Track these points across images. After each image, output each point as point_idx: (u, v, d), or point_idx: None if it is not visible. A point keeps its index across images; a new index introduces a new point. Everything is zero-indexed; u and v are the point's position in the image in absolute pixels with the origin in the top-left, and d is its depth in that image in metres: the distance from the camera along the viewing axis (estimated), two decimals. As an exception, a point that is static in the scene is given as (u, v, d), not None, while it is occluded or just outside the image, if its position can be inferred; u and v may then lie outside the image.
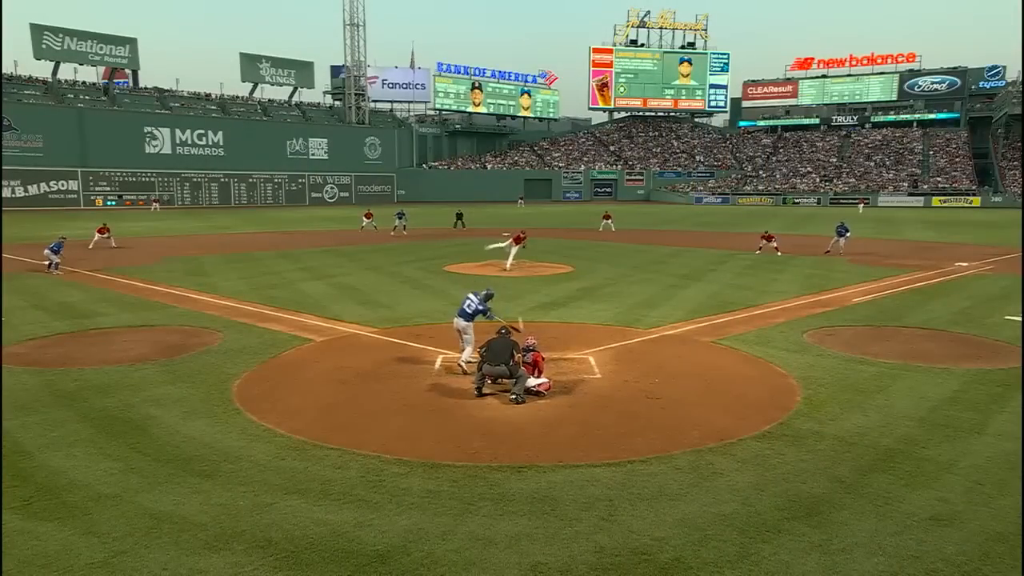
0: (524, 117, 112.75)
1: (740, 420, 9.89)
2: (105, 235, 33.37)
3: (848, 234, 31.12)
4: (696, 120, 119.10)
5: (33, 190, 66.71)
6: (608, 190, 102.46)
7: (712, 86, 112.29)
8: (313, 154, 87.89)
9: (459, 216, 47.98)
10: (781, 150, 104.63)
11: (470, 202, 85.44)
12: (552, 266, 27.17)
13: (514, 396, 10.70)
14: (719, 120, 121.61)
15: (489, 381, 11.11)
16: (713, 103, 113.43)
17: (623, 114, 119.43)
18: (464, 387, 11.39)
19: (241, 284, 22.64)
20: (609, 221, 45.98)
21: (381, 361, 13.08)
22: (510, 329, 11.53)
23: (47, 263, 24.54)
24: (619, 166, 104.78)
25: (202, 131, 78.28)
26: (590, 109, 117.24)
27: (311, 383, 11.74)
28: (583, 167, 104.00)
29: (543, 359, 11.66)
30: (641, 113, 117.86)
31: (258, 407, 10.38)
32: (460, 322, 12.33)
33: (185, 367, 12.58)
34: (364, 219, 45.13)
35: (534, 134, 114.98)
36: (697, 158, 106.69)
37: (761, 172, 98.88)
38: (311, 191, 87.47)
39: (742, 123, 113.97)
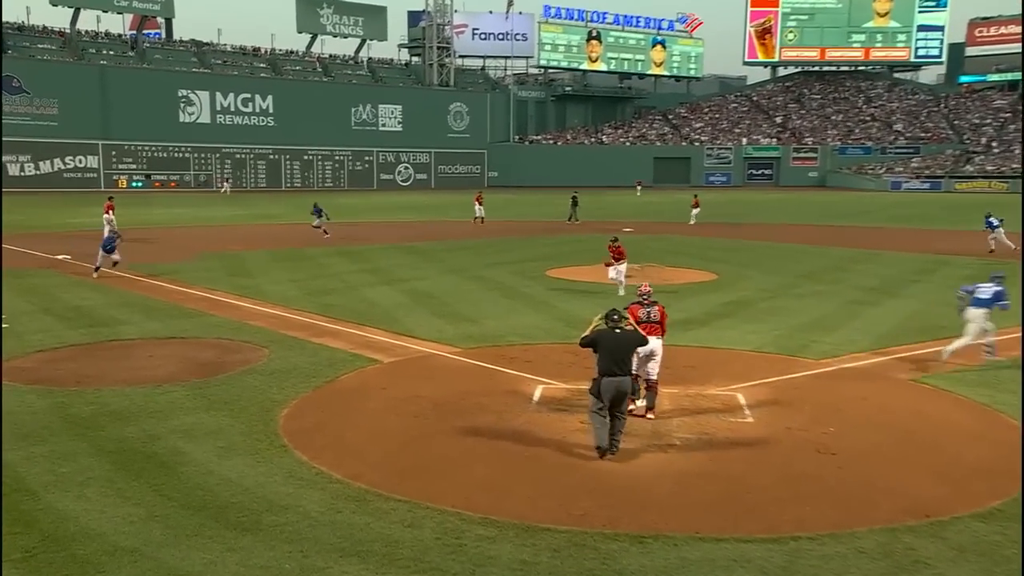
0: (656, 76, 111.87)
1: (955, 490, 9.34)
2: (110, 215, 33.66)
3: None
4: (896, 76, 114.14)
5: (45, 167, 72.04)
6: (767, 172, 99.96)
7: (921, 28, 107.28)
8: (384, 124, 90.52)
9: (575, 202, 47.58)
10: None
11: (580, 187, 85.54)
12: (689, 272, 26.79)
13: (614, 442, 10.24)
14: (930, 75, 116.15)
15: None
16: (922, 51, 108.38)
17: (791, 70, 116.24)
18: (571, 426, 11.33)
19: (291, 288, 23.58)
20: (697, 212, 45.28)
21: (464, 390, 13.23)
22: (620, 316, 10.86)
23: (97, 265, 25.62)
24: (783, 140, 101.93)
25: (248, 95, 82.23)
26: (745, 64, 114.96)
27: (375, 416, 12.03)
28: (734, 142, 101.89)
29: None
30: (817, 68, 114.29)
31: (310, 444, 10.73)
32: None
33: (222, 391, 13.19)
34: (476, 205, 46.16)
35: (668, 98, 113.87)
36: (896, 128, 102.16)
37: (993, 145, 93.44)
38: (380, 172, 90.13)
39: (965, 78, 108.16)
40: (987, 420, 11.88)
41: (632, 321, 12.08)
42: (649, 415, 11.90)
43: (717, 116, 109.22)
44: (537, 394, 13.05)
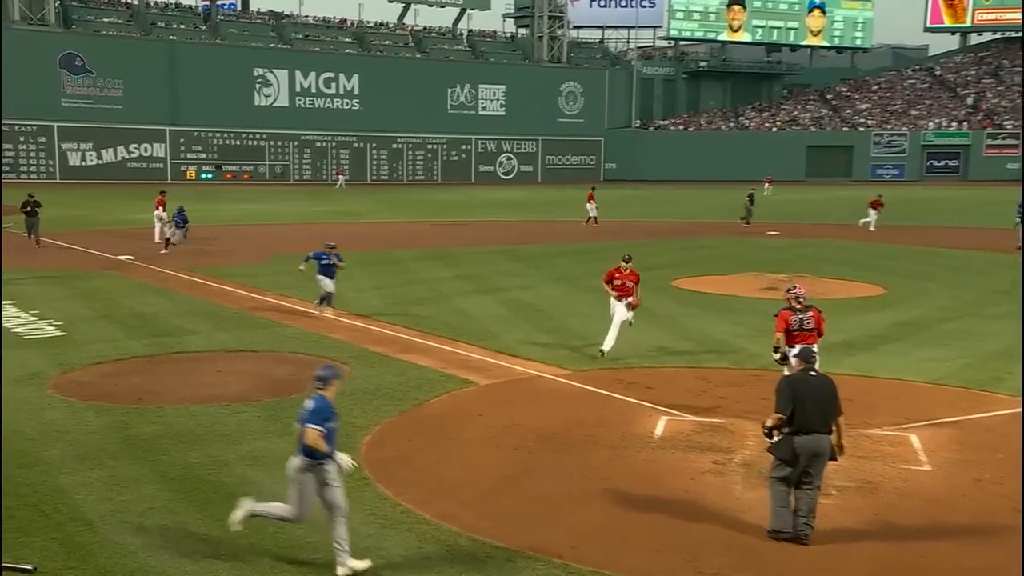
0: (811, 47, 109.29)
1: None
2: (161, 211, 35.38)
3: None
4: None
5: (108, 156, 75.38)
6: (952, 164, 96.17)
7: None
8: (484, 108, 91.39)
9: (751, 200, 46.30)
10: None
11: (713, 182, 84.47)
12: (850, 284, 26.13)
13: (804, 524, 9.11)
14: None
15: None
16: None
17: (987, 36, 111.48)
18: (701, 466, 11.17)
19: (376, 297, 24.08)
20: (876, 213, 43.32)
21: (575, 420, 13.23)
22: (813, 356, 9.94)
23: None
24: (974, 124, 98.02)
25: (331, 74, 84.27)
26: (927, 31, 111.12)
27: (471, 447, 12.15)
28: (910, 127, 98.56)
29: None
30: (1021, 34, 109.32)
31: (394, 477, 10.92)
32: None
33: (297, 412, 13.51)
34: (589, 203, 45.99)
35: (827, 73, 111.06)
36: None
37: None
38: (479, 163, 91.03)
39: None
40: None
41: (779, 332, 12.45)
42: None
43: (889, 95, 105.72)
44: (660, 427, 12.94)
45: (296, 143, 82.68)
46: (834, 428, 9.28)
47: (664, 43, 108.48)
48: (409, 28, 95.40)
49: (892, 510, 10.11)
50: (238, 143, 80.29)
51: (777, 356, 13.21)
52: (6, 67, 66.81)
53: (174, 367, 16.51)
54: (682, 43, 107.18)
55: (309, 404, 8.86)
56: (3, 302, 21.98)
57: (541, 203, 60.74)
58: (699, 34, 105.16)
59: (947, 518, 9.90)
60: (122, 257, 30.23)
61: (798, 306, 12.69)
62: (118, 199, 56.43)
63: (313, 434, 8.54)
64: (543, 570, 8.56)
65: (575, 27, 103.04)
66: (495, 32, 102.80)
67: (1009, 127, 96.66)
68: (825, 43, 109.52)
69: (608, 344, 16.94)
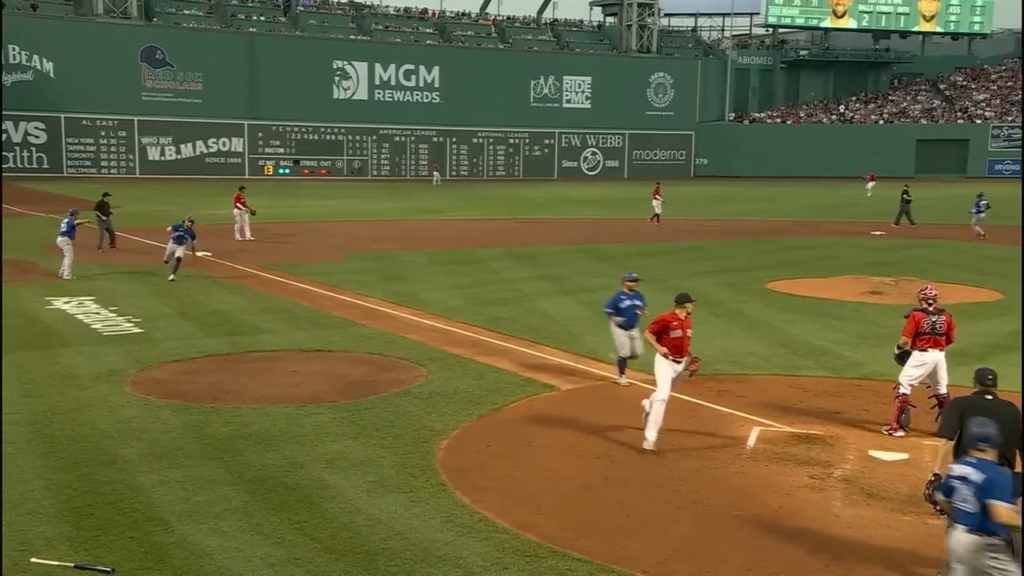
0: (923, 33, 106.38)
1: None
2: (241, 209, 36.14)
3: None
4: None
5: (187, 151, 77.30)
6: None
7: None
8: (569, 100, 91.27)
9: (906, 199, 44.54)
10: None
11: (813, 178, 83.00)
12: (963, 289, 25.44)
13: None
14: None
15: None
16: None
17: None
18: (797, 480, 11.01)
19: (455, 296, 24.26)
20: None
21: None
22: (992, 375, 8.88)
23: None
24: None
25: (411, 66, 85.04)
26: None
27: (551, 454, 12.18)
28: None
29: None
30: None
31: (472, 484, 11.00)
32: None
33: (373, 415, 13.75)
34: (655, 199, 45.52)
35: (941, 62, 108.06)
36: None
37: None
38: (562, 158, 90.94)
39: None
40: None
41: (906, 335, 12.66)
42: None
43: (1010, 85, 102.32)
44: (753, 437, 12.81)
45: (375, 137, 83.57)
46: (1017, 460, 8.29)
47: (761, 31, 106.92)
48: (492, 18, 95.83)
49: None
50: (316, 137, 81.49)
51: (897, 354, 13.12)
52: (89, 61, 69.17)
53: (250, 366, 16.87)
54: (781, 31, 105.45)
55: (972, 474, 7.09)
56: (82, 298, 22.78)
57: (627, 200, 60.34)
58: (800, 21, 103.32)
59: None
60: (200, 254, 30.95)
61: (930, 308, 12.66)
62: (196, 194, 57.72)
63: (1007, 512, 6.81)
64: (627, 584, 8.55)
65: (666, 15, 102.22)
66: (581, 21, 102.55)
67: None
68: (939, 29, 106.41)
69: (653, 433, 12.19)
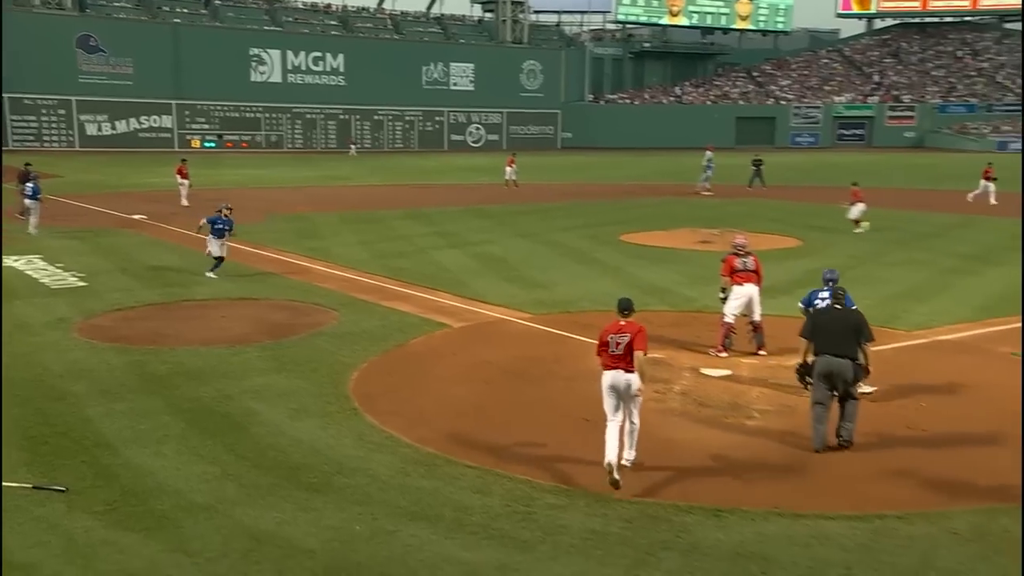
0: (740, 30, 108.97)
1: (1054, 471, 9.06)
2: (184, 180, 34.26)
3: None
4: (1007, 26, 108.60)
5: (122, 127, 74.22)
6: (859, 132, 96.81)
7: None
8: (455, 84, 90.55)
9: (757, 166, 44.39)
10: None
11: (655, 149, 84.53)
12: (772, 237, 26.31)
13: (842, 435, 9.61)
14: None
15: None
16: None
17: (889, 22, 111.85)
18: (645, 396, 11.33)
19: (361, 251, 23.98)
20: (991, 185, 36.43)
21: (535, 357, 13.35)
22: (842, 292, 10.24)
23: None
24: (877, 98, 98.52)
25: (319, 54, 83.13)
26: (839, 16, 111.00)
27: (445, 381, 12.25)
28: (824, 100, 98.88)
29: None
30: (918, 19, 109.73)
31: (380, 408, 10.99)
32: None
33: (293, 352, 13.57)
34: (508, 168, 44.99)
35: (753, 54, 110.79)
36: (1005, 83, 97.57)
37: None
38: (451, 132, 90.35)
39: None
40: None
41: (725, 274, 13.36)
42: (761, 352, 13.27)
43: (806, 73, 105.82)
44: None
45: (288, 115, 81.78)
46: (862, 352, 9.64)
47: (613, 26, 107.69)
48: (388, 12, 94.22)
49: (805, 428, 10.27)
50: (237, 115, 79.27)
51: (722, 295, 13.66)
52: (30, 47, 65.65)
53: (184, 313, 16.41)
54: (628, 26, 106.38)
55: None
56: (31, 256, 21.74)
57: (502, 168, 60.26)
58: (643, 18, 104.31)
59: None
60: (136, 216, 29.75)
61: (741, 252, 13.44)
62: (131, 165, 55.54)
63: None
64: (509, 485, 8.69)
65: (535, 12, 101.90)
66: (464, 16, 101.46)
67: (906, 100, 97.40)
68: (752, 27, 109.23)
69: (613, 454, 8.64)
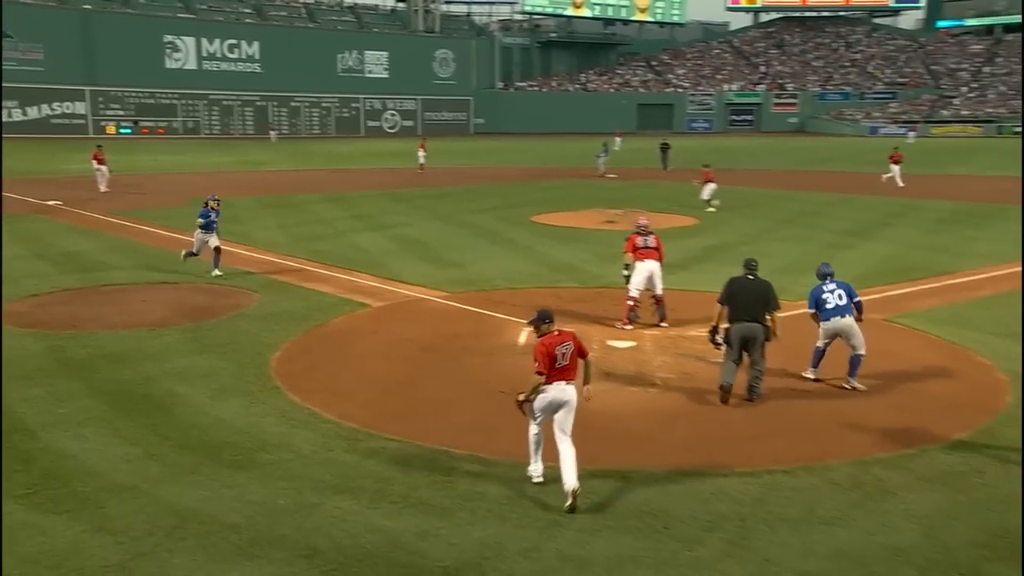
0: (639, 22, 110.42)
1: (923, 424, 9.54)
2: (101, 166, 32.81)
3: None
4: (876, 21, 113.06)
5: (33, 112, 70.84)
6: (748, 118, 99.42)
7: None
8: (370, 71, 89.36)
9: (664, 150, 45.44)
10: (999, 59, 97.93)
11: (563, 134, 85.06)
12: (671, 217, 26.81)
13: (753, 388, 10.20)
14: (908, 20, 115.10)
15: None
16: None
17: (773, 15, 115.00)
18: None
19: (280, 234, 23.49)
20: (897, 168, 36.08)
21: (452, 334, 13.32)
22: (755, 264, 10.68)
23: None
24: (764, 86, 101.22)
25: (234, 41, 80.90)
26: (728, 10, 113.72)
27: (365, 358, 12.12)
28: (716, 88, 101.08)
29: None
30: (799, 14, 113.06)
31: (301, 386, 10.81)
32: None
33: (214, 334, 13.22)
34: (420, 152, 45.13)
35: (652, 44, 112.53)
36: (874, 74, 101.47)
37: (967, 91, 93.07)
38: (367, 119, 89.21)
39: (942, 23, 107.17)
40: (954, 357, 12.10)
41: (628, 251, 13.69)
42: (663, 324, 13.56)
43: (699, 63, 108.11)
44: (523, 337, 13.12)
45: (205, 102, 79.41)
46: (770, 318, 10.26)
47: (520, 17, 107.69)
48: (302, 1, 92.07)
49: (704, 394, 10.60)
50: (152, 102, 76.59)
51: (625, 271, 13.94)
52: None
53: (103, 298, 15.81)
54: (535, 17, 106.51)
55: (835, 287, 10.76)
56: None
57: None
58: (549, 9, 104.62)
59: (740, 397, 10.42)
60: (51, 202, 28.48)
61: (643, 231, 13.86)
62: (44, 152, 53.10)
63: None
64: (429, 456, 8.68)
65: (445, 2, 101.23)
66: (376, 5, 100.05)
67: (790, 89, 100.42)
68: (650, 19, 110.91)
69: (571, 479, 7.60)
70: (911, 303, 15.09)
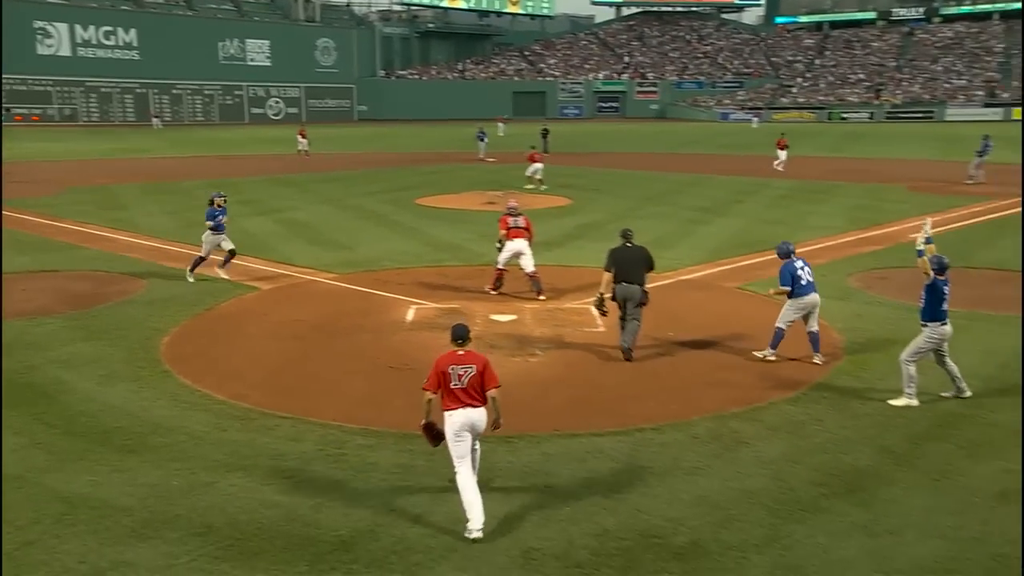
0: (512, 14, 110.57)
1: (770, 380, 10.05)
2: None
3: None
4: (723, 16, 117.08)
5: None
6: (615, 105, 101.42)
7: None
8: (252, 60, 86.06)
9: (544, 135, 44.27)
10: (828, 52, 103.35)
11: (443, 120, 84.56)
12: (546, 198, 27.10)
13: (627, 343, 10.77)
14: (752, 16, 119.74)
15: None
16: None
17: (633, 9, 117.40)
18: (441, 343, 11.42)
19: (167, 220, 22.44)
20: (783, 154, 35.51)
21: (341, 313, 13.10)
22: (631, 232, 11.23)
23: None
24: (628, 75, 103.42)
25: (110, 28, 76.17)
26: (592, 3, 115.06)
27: (256, 340, 11.77)
28: (585, 77, 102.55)
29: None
30: (656, 8, 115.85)
31: (192, 369, 10.42)
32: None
33: (101, 321, 12.54)
34: (300, 139, 44.08)
35: (524, 35, 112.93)
36: (723, 64, 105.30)
37: (801, 80, 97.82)
38: (251, 106, 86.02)
39: (780, 19, 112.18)
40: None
41: (502, 230, 13.85)
42: (541, 297, 13.72)
43: (569, 53, 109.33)
44: (410, 314, 13.08)
45: (82, 89, 74.47)
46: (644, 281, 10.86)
47: (399, 7, 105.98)
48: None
49: (579, 361, 10.84)
50: (24, 88, 71.15)
51: (498, 246, 14.16)
52: None
53: (-20, 289, 14.70)
54: (413, 8, 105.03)
55: (803, 265, 10.65)
56: None
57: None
58: (426, 1, 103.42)
59: (615, 364, 10.73)
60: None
61: (513, 212, 14.04)
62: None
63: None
64: (321, 431, 8.54)
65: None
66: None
67: (651, 78, 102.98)
68: (521, 11, 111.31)
69: (478, 519, 6.62)
70: (758, 272, 15.80)
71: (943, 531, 6.63)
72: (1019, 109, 79.64)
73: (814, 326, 10.72)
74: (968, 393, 9.30)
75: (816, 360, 10.62)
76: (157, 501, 7.07)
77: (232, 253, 15.22)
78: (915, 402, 9.18)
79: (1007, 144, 42.44)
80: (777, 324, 10.71)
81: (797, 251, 11.02)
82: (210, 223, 15.16)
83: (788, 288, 10.55)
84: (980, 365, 10.36)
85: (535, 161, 29.95)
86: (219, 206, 15.28)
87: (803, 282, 10.50)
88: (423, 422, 6.94)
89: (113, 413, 8.97)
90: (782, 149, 35.61)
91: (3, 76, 69.20)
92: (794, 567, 6.15)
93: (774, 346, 10.75)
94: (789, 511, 6.95)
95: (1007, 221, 21.92)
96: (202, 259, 15.17)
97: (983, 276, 15.38)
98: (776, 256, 10.88)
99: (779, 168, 34.81)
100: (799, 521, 6.78)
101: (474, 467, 6.87)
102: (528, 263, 13.90)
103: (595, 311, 11.46)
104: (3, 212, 22.92)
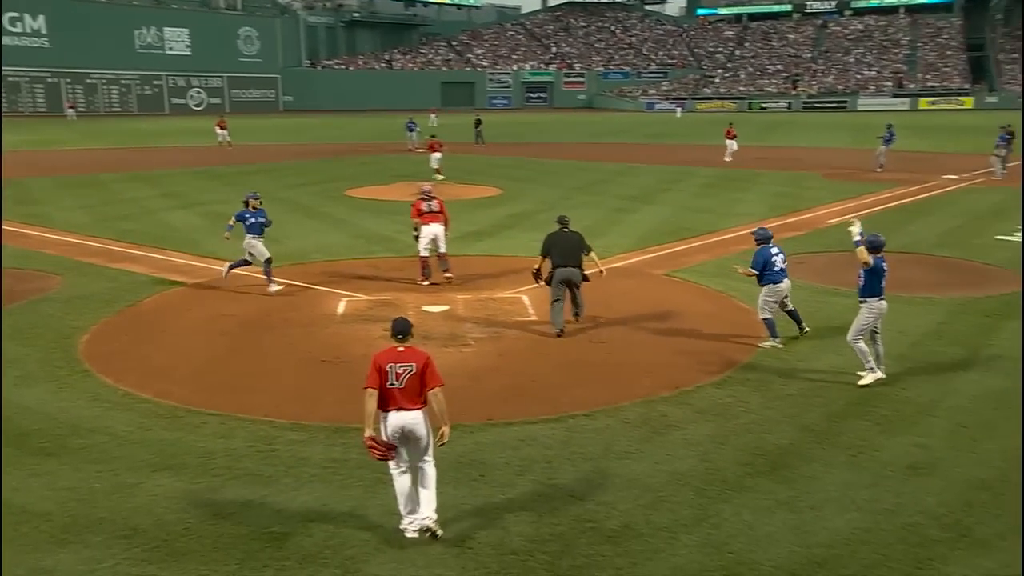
0: (439, 3, 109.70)
1: (698, 364, 10.25)
2: None
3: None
4: (647, 8, 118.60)
5: None
6: (543, 95, 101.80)
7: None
8: (171, 48, 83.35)
9: (477, 125, 45.16)
10: (747, 43, 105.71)
11: (371, 111, 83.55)
12: (477, 188, 27.05)
13: (577, 314, 11.62)
14: (674, 8, 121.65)
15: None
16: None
17: (560, 0, 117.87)
18: (373, 335, 11.32)
19: (83, 215, 21.62)
20: (733, 144, 35.59)
21: (270, 307, 12.85)
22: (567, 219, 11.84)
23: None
24: (555, 66, 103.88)
25: (15, 14, 72.64)
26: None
27: (182, 336, 11.46)
28: (513, 67, 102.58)
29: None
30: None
31: (114, 367, 10.08)
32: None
33: (14, 321, 12.01)
34: (218, 130, 43.20)
35: (452, 25, 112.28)
36: (648, 55, 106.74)
37: (723, 71, 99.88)
38: (171, 96, 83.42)
39: (701, 11, 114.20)
40: (722, 304, 13.03)
41: (413, 217, 14.11)
42: (447, 275, 14.02)
43: (496, 43, 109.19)
44: (342, 307, 12.92)
45: (-13, 78, 71.03)
46: (589, 261, 11.44)
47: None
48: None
49: (511, 350, 10.87)
50: (-76, 77, 67.63)
51: (415, 233, 14.30)
52: None
53: None
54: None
55: (777, 251, 10.77)
56: None
57: (231, 130, 56.75)
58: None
59: (547, 352, 10.80)
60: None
61: (427, 196, 14.30)
62: None
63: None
64: (251, 428, 8.37)
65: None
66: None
67: (577, 68, 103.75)
68: (448, 1, 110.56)
69: (429, 516, 6.45)
70: (685, 259, 16.10)
71: (860, 504, 6.88)
72: (924, 99, 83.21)
73: (790, 305, 11.03)
74: (883, 376, 9.63)
75: (799, 335, 11.01)
76: (78, 505, 6.82)
77: (268, 262, 13.75)
78: (880, 374, 9.48)
79: (912, 132, 44.24)
80: (761, 317, 10.80)
81: (721, 237, 11.27)
82: (241, 223, 13.80)
83: (756, 272, 10.63)
84: (892, 344, 10.75)
85: (434, 150, 30.06)
86: (254, 208, 13.90)
87: (776, 268, 10.60)
88: (366, 435, 6.18)
89: (30, 415, 8.61)
90: (731, 139, 35.61)
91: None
92: (721, 544, 6.31)
93: (774, 335, 10.81)
94: (716, 491, 7.11)
95: (916, 206, 22.85)
96: (246, 262, 13.97)
97: (894, 259, 15.82)
98: (754, 240, 10.97)
99: (728, 159, 34.83)
100: (726, 500, 6.95)
101: (424, 485, 6.35)
102: (442, 245, 14.17)
103: (533, 279, 11.87)
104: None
